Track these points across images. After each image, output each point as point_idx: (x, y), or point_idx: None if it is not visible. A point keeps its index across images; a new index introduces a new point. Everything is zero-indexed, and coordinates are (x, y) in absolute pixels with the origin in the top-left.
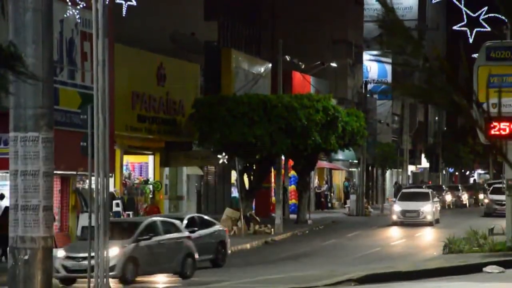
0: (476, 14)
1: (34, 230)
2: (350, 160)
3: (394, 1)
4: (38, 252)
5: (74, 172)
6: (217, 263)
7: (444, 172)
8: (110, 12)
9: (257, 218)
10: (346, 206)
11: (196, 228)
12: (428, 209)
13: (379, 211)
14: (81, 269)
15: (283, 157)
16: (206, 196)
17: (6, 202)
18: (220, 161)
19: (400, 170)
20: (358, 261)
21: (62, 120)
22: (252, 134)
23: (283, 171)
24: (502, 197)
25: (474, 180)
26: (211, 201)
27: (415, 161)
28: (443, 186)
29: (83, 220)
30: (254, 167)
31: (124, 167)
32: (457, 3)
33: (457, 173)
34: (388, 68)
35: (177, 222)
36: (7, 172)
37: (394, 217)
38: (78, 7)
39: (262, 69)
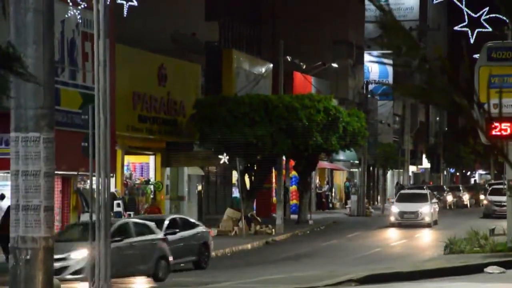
0: (477, 14)
1: (35, 230)
2: (351, 161)
3: (395, 2)
4: (39, 252)
5: (75, 173)
6: (200, 265)
7: (445, 172)
8: (111, 13)
9: (258, 218)
10: (347, 206)
11: (177, 230)
12: (426, 210)
13: (380, 212)
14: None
15: (284, 158)
16: (207, 197)
17: (6, 202)
18: (221, 162)
19: (401, 170)
20: (358, 262)
21: (63, 120)
22: (253, 135)
23: (284, 171)
24: (501, 198)
25: (475, 180)
26: (212, 201)
27: (416, 161)
28: (444, 187)
29: (84, 220)
30: (255, 168)
31: (125, 168)
32: (458, 3)
33: (458, 174)
34: (389, 68)
35: (151, 224)
36: (8, 173)
37: (392, 219)
38: (79, 7)
39: (263, 70)
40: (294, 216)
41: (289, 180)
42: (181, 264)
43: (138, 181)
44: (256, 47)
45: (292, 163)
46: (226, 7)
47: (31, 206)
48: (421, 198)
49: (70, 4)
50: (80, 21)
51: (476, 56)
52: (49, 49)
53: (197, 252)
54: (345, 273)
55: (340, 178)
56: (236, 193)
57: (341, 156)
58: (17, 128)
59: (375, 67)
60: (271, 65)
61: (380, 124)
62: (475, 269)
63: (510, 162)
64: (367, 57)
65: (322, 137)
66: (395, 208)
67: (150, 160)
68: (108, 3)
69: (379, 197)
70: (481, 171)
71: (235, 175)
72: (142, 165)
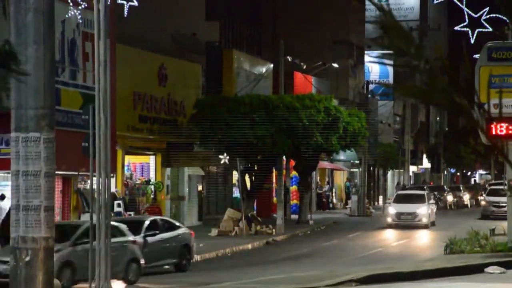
0: (478, 14)
1: (36, 231)
2: (352, 161)
3: (396, 2)
4: (39, 252)
5: (76, 173)
6: (181, 268)
7: (445, 172)
8: (111, 13)
9: (259, 218)
10: (347, 206)
11: (157, 232)
12: (423, 211)
13: (381, 212)
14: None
15: (284, 158)
16: (208, 197)
17: (7, 203)
18: (222, 162)
19: (401, 170)
20: (359, 262)
21: (63, 120)
22: (253, 135)
23: (284, 171)
24: (499, 199)
25: (475, 180)
26: (212, 201)
27: (417, 161)
28: (445, 187)
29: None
30: (256, 168)
31: (126, 168)
32: (458, 3)
33: (458, 174)
34: (390, 69)
35: (122, 226)
36: (8, 173)
37: (389, 220)
38: (80, 7)
39: (264, 70)
40: (294, 216)
41: (289, 180)
42: (165, 266)
43: (138, 181)
44: (256, 47)
45: (293, 163)
46: (226, 7)
47: (32, 206)
48: (419, 199)
49: (71, 4)
50: (81, 21)
51: (477, 56)
52: (50, 49)
53: (178, 254)
54: (346, 273)
55: (340, 178)
56: (236, 193)
57: (342, 156)
58: (18, 128)
59: (375, 67)
60: (272, 65)
61: (380, 124)
62: (476, 269)
63: (510, 162)
64: (367, 57)
65: (323, 137)
66: (392, 209)
67: (151, 160)
68: (108, 3)
69: (379, 197)
70: (481, 171)
71: (235, 175)
72: (142, 165)
